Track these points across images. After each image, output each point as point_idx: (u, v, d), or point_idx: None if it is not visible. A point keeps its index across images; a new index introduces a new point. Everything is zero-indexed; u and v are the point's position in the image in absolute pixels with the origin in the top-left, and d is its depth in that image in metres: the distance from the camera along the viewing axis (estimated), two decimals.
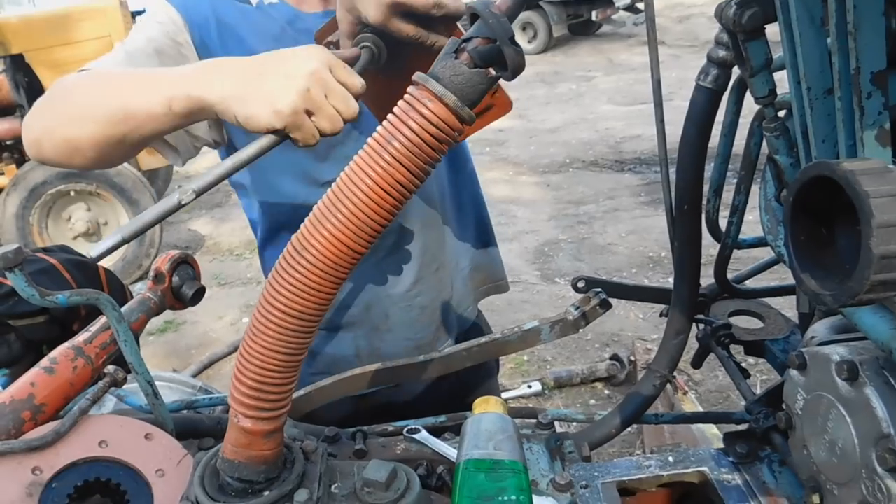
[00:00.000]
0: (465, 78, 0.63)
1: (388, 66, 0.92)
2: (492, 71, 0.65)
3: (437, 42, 0.87)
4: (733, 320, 1.23)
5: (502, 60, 0.64)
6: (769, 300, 1.28)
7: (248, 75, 0.81)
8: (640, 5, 11.83)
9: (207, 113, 0.83)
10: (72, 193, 4.64)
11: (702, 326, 1.20)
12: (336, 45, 0.97)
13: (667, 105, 0.98)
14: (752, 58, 0.71)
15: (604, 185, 5.97)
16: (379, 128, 0.65)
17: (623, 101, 8.49)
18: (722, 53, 0.83)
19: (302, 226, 0.67)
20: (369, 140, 0.65)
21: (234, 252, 5.30)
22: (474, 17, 0.66)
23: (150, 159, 5.03)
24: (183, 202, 0.76)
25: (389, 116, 0.65)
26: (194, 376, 3.61)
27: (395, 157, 0.63)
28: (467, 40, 0.65)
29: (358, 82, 0.81)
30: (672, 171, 0.96)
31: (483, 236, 1.42)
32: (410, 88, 0.65)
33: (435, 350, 1.34)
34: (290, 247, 0.68)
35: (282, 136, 0.80)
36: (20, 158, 4.86)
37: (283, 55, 0.81)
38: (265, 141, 0.80)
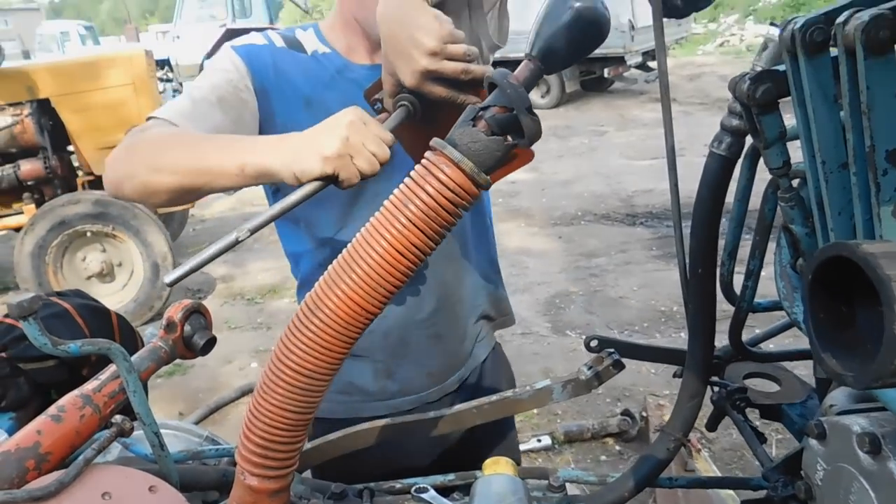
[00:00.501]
0: (483, 145, 0.64)
1: (424, 118, 1.00)
2: (509, 138, 0.66)
3: (466, 100, 0.95)
4: (748, 382, 1.21)
5: (519, 129, 0.65)
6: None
7: (302, 141, 0.92)
8: (652, 64, 12.05)
9: (272, 178, 0.95)
10: (88, 234, 4.69)
11: (716, 389, 1.18)
12: (381, 102, 1.07)
13: (679, 161, 0.98)
14: (766, 130, 0.72)
15: (616, 238, 5.97)
16: (396, 191, 0.66)
17: (635, 155, 8.55)
18: (735, 122, 0.84)
19: (316, 285, 0.68)
20: (386, 202, 0.66)
21: (246, 297, 5.31)
22: (492, 86, 0.67)
23: None
24: (239, 239, 0.84)
25: (406, 180, 0.66)
26: (200, 421, 3.59)
27: (410, 221, 0.64)
28: (485, 108, 0.66)
29: (388, 136, 0.93)
30: (686, 226, 0.97)
31: (494, 273, 1.49)
32: (428, 153, 0.66)
33: (449, 378, 1.39)
34: (304, 305, 0.68)
35: (330, 180, 0.89)
36: (40, 199, 4.95)
37: (329, 118, 0.93)
38: (312, 185, 0.90)
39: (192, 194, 1.05)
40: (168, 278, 0.88)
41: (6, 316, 1.29)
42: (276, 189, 1.28)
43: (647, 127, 9.95)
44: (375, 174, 0.90)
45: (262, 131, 1.21)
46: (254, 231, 0.84)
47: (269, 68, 1.20)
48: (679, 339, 4.14)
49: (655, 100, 10.11)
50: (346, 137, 0.87)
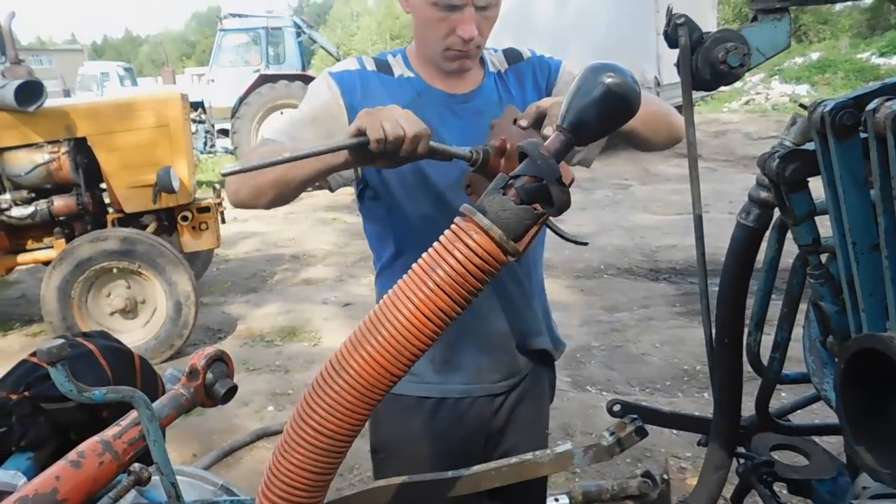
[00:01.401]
0: (512, 213, 0.65)
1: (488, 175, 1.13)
2: (538, 207, 0.67)
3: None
4: (775, 455, 1.18)
5: (548, 198, 0.66)
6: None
7: None
8: None
9: (341, 154, 1.13)
10: (114, 271, 4.75)
11: (742, 461, 1.15)
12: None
13: (703, 217, 0.98)
14: (796, 208, 0.72)
15: (638, 292, 5.91)
16: (424, 255, 0.67)
17: (659, 210, 8.53)
18: (763, 195, 0.84)
19: (341, 345, 0.68)
20: (414, 266, 0.67)
21: (266, 338, 5.32)
22: (523, 155, 0.68)
23: (192, 242, 5.18)
24: (284, 157, 1.04)
25: (435, 244, 0.67)
26: (213, 463, 3.55)
27: (438, 285, 0.64)
28: (516, 177, 0.67)
29: (424, 126, 1.09)
30: (712, 285, 0.95)
31: (545, 309, 1.59)
32: (457, 219, 0.67)
33: (499, 382, 1.50)
34: (329, 365, 0.68)
35: (360, 134, 1.06)
36: (70, 234, 5.04)
37: None
38: (349, 141, 1.07)
39: (289, 186, 1.26)
40: (225, 170, 1.06)
41: (32, 355, 1.31)
42: (364, 186, 1.45)
43: (670, 182, 9.94)
44: (398, 140, 1.05)
45: None
46: (295, 158, 1.03)
47: (357, 89, 1.40)
48: (702, 399, 4.04)
49: (679, 155, 10.13)
50: (382, 109, 1.08)
